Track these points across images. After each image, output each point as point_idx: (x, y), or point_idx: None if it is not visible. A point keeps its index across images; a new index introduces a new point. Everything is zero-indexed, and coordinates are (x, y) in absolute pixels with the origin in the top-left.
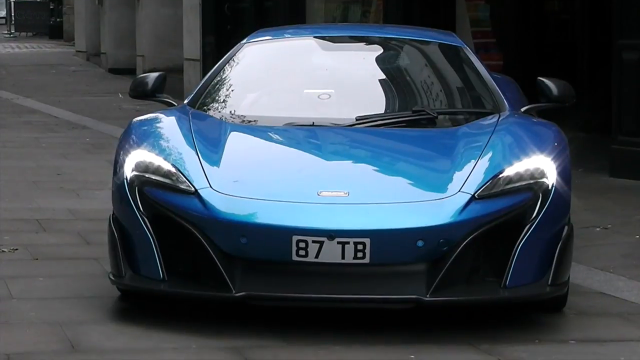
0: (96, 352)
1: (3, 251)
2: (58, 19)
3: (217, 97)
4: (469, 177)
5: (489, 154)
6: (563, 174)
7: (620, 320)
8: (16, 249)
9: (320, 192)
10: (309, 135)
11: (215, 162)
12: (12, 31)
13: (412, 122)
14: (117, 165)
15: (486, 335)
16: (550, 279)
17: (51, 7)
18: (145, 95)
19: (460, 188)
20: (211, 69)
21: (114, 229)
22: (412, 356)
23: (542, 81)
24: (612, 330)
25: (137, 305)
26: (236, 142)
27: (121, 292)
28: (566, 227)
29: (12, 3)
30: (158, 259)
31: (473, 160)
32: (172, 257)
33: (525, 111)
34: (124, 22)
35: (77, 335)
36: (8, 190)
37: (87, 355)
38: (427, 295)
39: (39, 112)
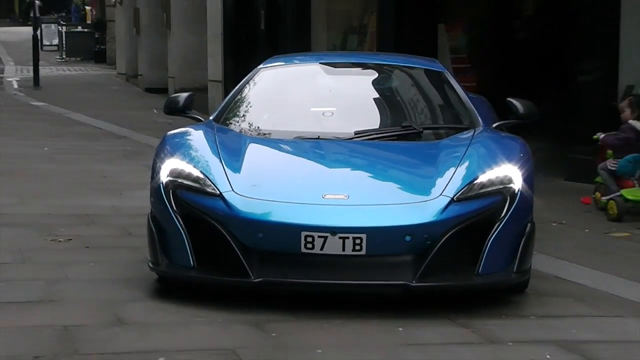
0: (138, 324)
1: (60, 241)
2: (102, 46)
3: (237, 114)
4: (449, 183)
5: (466, 163)
6: (527, 180)
7: (573, 300)
8: (70, 239)
9: (325, 195)
10: (314, 147)
11: (237, 169)
12: (63, 56)
13: (402, 136)
14: (154, 172)
15: (462, 312)
16: (515, 267)
17: (96, 36)
18: (177, 111)
19: (442, 192)
20: (231, 89)
21: (152, 225)
22: (401, 329)
23: (511, 101)
24: (566, 308)
25: (172, 287)
26: (254, 152)
27: (158, 277)
28: (529, 224)
29: (64, 33)
30: (189, 250)
31: (452, 169)
32: (201, 249)
33: (496, 127)
34: (157, 49)
35: (121, 310)
36: (62, 190)
37: (130, 327)
38: (414, 282)
39: (86, 125)
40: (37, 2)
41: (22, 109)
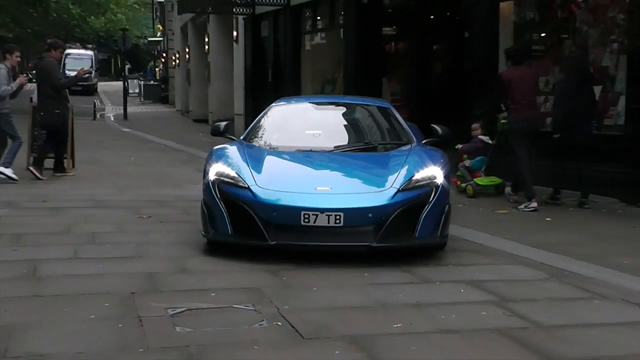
0: (195, 272)
1: (143, 217)
2: (166, 93)
3: (258, 135)
4: (396, 179)
5: (407, 166)
6: (446, 177)
7: (475, 254)
8: (150, 217)
9: (316, 188)
10: (308, 156)
11: (259, 171)
12: (142, 100)
13: (364, 149)
14: (205, 173)
15: (406, 262)
16: (439, 233)
17: (162, 86)
18: (219, 134)
19: (392, 185)
20: (250, 120)
21: (203, 207)
22: (366, 274)
23: (433, 126)
24: (471, 259)
25: (216, 247)
26: (270, 160)
27: (207, 241)
28: (447, 205)
29: (142, 85)
30: (228, 223)
31: (398, 170)
32: (236, 223)
33: (424, 143)
34: (201, 94)
35: (184, 263)
36: (143, 185)
37: (191, 274)
38: (374, 243)
39: (157, 143)
40: (127, 66)
41: (116, 133)
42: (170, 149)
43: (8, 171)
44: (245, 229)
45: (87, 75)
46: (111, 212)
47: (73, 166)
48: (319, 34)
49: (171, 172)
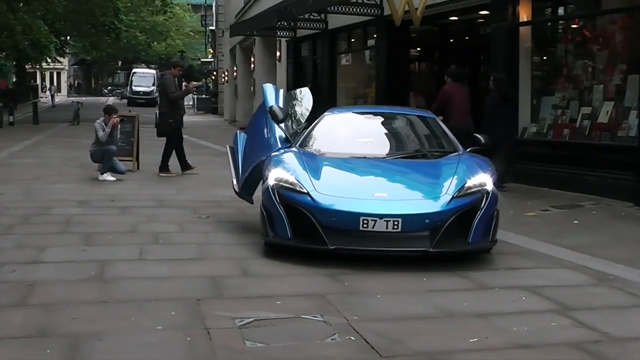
0: (257, 275)
1: (203, 217)
2: (215, 105)
3: (312, 142)
4: (450, 186)
5: (458, 174)
6: (495, 184)
7: (518, 257)
8: (208, 217)
9: (374, 194)
10: (363, 163)
11: (317, 177)
12: (195, 110)
13: (414, 156)
14: (265, 178)
15: (460, 267)
16: (490, 237)
17: (212, 99)
18: (277, 121)
19: (446, 192)
20: None
21: (263, 211)
22: (425, 279)
23: (476, 135)
24: (517, 263)
25: (276, 250)
26: (327, 166)
27: (266, 243)
28: (496, 211)
29: (195, 98)
30: (288, 227)
31: (451, 177)
32: (295, 226)
33: (469, 151)
34: (247, 105)
35: (246, 265)
36: (200, 187)
37: (252, 278)
38: (431, 248)
39: (210, 148)
40: (184, 84)
41: None
42: (221, 153)
43: (107, 175)
44: (304, 233)
45: (196, 88)
46: (172, 211)
47: (138, 168)
48: (352, 54)
49: (224, 174)
